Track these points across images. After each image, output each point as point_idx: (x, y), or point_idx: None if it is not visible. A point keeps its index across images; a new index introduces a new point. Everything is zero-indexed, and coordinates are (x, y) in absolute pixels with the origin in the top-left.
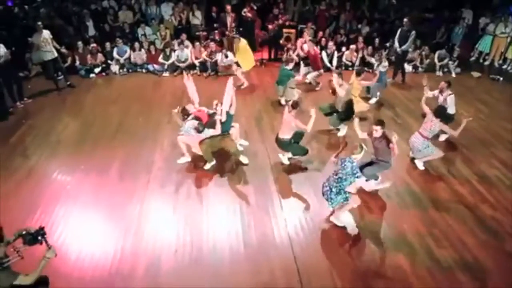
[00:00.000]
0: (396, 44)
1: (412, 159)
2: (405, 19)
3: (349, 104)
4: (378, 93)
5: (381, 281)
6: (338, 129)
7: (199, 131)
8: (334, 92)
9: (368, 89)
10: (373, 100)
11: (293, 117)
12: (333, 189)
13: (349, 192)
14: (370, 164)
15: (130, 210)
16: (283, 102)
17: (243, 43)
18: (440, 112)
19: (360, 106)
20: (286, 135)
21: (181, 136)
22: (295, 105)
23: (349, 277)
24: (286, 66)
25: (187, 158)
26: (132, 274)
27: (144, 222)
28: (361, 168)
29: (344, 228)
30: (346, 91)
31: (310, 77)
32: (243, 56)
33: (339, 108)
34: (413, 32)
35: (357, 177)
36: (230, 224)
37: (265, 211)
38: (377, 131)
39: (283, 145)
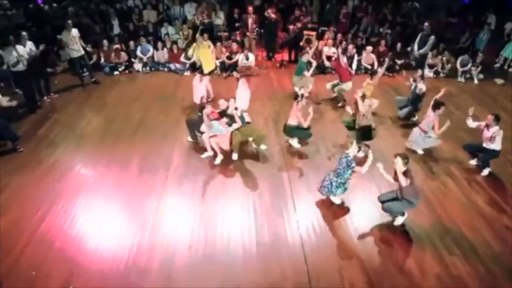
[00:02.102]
0: (415, 47)
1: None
2: (425, 24)
3: (366, 129)
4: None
5: (389, 284)
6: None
7: (229, 125)
8: (356, 104)
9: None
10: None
11: (299, 109)
12: (333, 183)
13: (347, 184)
14: (395, 199)
15: (148, 205)
16: (297, 90)
17: (206, 44)
18: (437, 106)
19: (369, 102)
20: (292, 121)
21: (213, 138)
22: (296, 97)
23: (357, 279)
24: (302, 58)
25: (220, 157)
26: (147, 268)
27: (161, 217)
28: (385, 201)
29: (355, 231)
30: (366, 114)
31: (337, 90)
32: (205, 58)
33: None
34: (432, 37)
35: (352, 167)
36: (244, 223)
37: (279, 212)
38: (396, 164)
39: (289, 130)
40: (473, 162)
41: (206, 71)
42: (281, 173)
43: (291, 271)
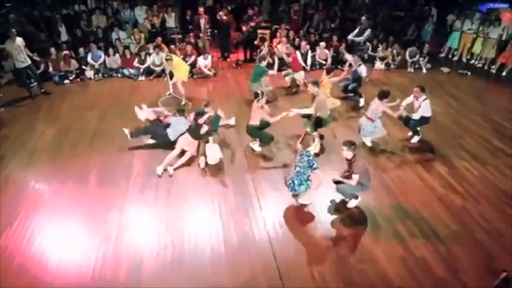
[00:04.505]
0: (350, 36)
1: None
2: (363, 18)
3: (318, 120)
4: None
5: (357, 272)
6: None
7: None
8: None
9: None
10: (361, 101)
11: (260, 108)
12: (295, 181)
13: (310, 180)
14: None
15: (111, 217)
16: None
17: (175, 60)
18: (382, 95)
19: (330, 102)
20: (254, 122)
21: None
22: (256, 96)
23: (327, 271)
24: (260, 63)
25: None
26: (114, 279)
27: (125, 227)
28: (338, 182)
29: (321, 224)
30: (318, 104)
31: (288, 79)
32: (179, 69)
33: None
34: (368, 31)
35: (314, 168)
36: (210, 225)
37: (244, 211)
38: (344, 151)
39: (251, 130)
40: (411, 133)
41: (185, 78)
42: (244, 173)
43: (261, 269)
